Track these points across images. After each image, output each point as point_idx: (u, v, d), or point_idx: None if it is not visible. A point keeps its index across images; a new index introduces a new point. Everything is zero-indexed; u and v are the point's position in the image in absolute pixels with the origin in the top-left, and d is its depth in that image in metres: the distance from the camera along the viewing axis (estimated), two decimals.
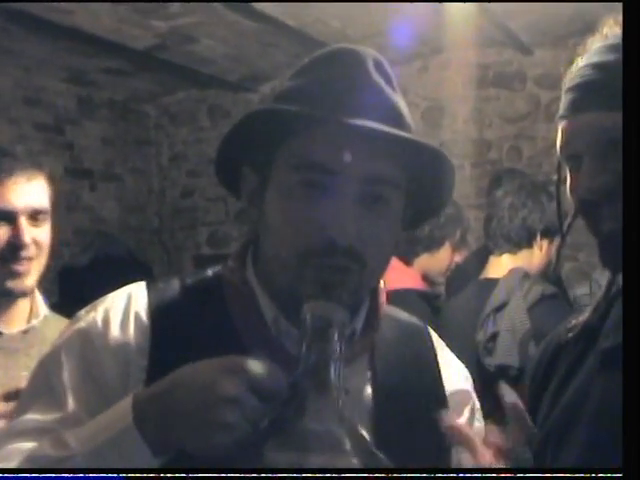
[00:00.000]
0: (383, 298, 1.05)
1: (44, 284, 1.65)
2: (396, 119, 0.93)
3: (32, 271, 1.62)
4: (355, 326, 0.99)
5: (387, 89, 0.94)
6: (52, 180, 1.69)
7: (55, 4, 3.43)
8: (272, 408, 0.75)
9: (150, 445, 0.78)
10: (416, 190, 0.98)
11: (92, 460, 0.80)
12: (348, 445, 0.72)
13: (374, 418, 0.97)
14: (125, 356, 0.93)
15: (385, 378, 1.01)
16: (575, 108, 0.94)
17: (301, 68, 0.98)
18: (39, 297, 1.73)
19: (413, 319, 1.14)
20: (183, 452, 0.78)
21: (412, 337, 1.10)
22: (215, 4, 3.50)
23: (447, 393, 1.06)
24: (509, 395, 0.86)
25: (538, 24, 3.93)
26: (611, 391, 0.90)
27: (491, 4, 3.53)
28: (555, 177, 1.05)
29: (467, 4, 3.47)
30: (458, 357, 1.14)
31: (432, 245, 2.64)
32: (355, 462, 0.71)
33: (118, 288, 1.03)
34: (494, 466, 0.78)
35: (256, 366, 0.76)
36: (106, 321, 0.96)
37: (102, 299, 1.01)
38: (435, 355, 1.09)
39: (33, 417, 0.92)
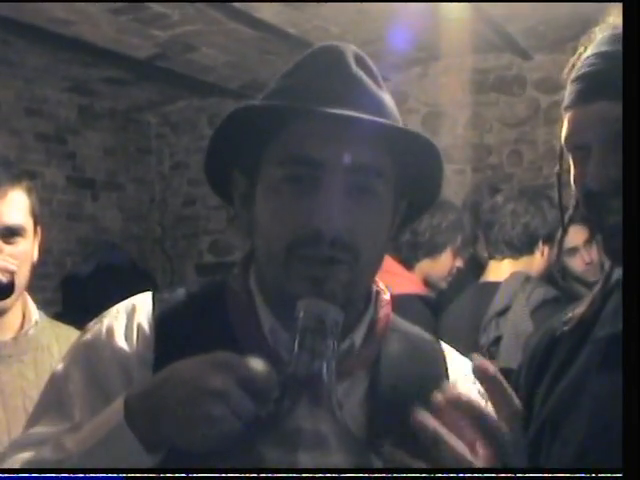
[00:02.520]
0: (388, 310, 1.00)
1: (47, 294, 1.65)
2: (378, 108, 0.92)
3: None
4: (354, 339, 0.95)
5: (367, 80, 0.93)
6: (30, 190, 1.67)
7: (55, 15, 3.45)
8: (262, 404, 0.75)
9: (142, 441, 0.79)
10: (406, 179, 0.95)
11: (86, 460, 0.81)
12: (336, 444, 0.72)
13: (368, 437, 0.90)
14: (129, 367, 0.93)
15: (385, 396, 0.94)
16: (583, 98, 0.91)
17: (285, 72, 0.98)
18: (31, 304, 1.73)
19: (423, 333, 1.06)
20: (175, 449, 0.78)
21: (421, 353, 1.02)
22: (215, 13, 3.51)
23: None
24: (490, 367, 0.82)
25: (536, 28, 3.94)
26: (606, 381, 0.90)
27: (489, 9, 3.54)
28: (557, 168, 1.02)
29: (465, 9, 3.48)
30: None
31: (433, 250, 2.63)
32: (343, 461, 0.71)
33: (121, 297, 1.03)
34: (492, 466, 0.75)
35: (247, 362, 0.77)
36: (110, 332, 0.96)
37: (109, 311, 1.01)
38: (446, 372, 1.00)
39: (39, 430, 0.93)
